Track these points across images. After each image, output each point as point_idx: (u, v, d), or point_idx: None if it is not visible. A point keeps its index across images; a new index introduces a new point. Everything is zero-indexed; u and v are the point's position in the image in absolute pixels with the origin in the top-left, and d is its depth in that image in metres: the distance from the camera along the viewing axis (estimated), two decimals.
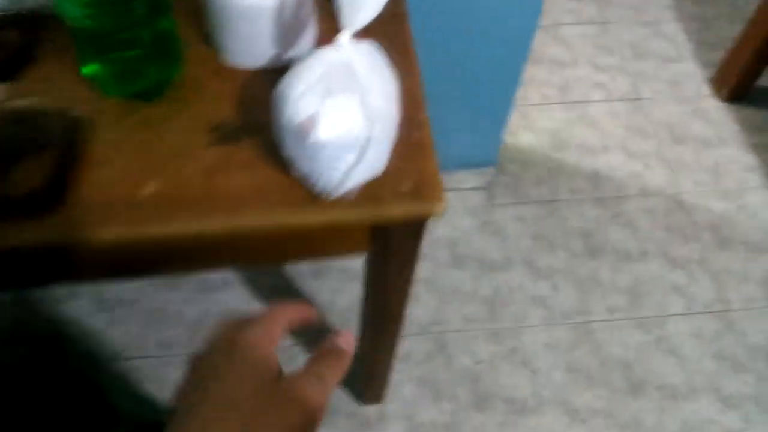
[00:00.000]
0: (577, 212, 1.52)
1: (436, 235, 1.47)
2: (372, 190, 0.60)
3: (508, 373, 1.30)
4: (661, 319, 1.36)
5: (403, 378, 1.28)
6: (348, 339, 0.41)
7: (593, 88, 1.78)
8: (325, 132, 0.53)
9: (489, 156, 1.52)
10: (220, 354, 0.38)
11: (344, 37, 0.54)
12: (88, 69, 0.63)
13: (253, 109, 0.66)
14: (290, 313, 0.43)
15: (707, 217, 1.51)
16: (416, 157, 0.63)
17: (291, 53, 0.69)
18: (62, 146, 0.61)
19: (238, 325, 0.40)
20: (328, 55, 0.55)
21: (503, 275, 1.42)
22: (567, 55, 1.87)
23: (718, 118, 1.70)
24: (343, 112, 0.54)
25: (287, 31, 0.66)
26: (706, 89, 1.77)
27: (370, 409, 1.25)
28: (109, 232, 0.58)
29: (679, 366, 1.30)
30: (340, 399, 1.25)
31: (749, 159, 1.61)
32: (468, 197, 1.55)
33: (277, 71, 0.70)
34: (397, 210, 0.60)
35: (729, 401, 1.26)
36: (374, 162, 0.57)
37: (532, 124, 1.70)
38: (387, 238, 0.66)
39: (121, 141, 0.63)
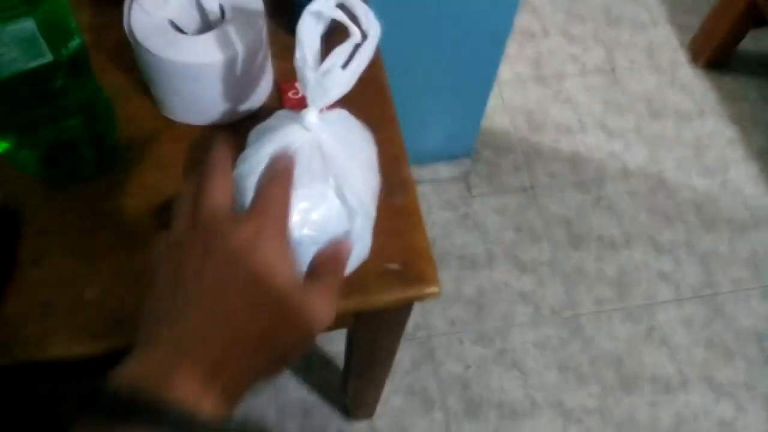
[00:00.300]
0: (557, 199, 1.46)
1: None
2: (354, 275, 0.52)
3: (499, 376, 1.26)
4: (649, 308, 1.33)
5: (391, 389, 1.24)
6: (347, 245, 0.37)
7: (567, 60, 1.70)
8: (296, 230, 0.45)
9: (466, 146, 1.45)
10: (217, 260, 0.31)
11: (311, 116, 0.45)
12: (2, 147, 0.53)
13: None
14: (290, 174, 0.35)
15: (690, 195, 1.47)
16: (402, 229, 0.55)
17: (246, 106, 0.60)
18: None
19: (236, 219, 0.32)
20: (292, 134, 0.46)
21: (486, 272, 1.37)
22: (537, 25, 1.77)
23: (697, 88, 1.64)
24: (317, 205, 0.46)
25: (241, 85, 0.57)
26: (682, 56, 1.70)
27: (360, 425, 1.21)
28: (49, 350, 0.49)
29: (669, 356, 1.28)
30: (328, 415, 1.20)
31: (730, 131, 1.56)
32: (444, 189, 1.47)
33: (232, 126, 0.61)
34: (383, 297, 0.52)
35: (721, 390, 1.25)
36: (357, 252, 0.49)
37: (506, 105, 1.62)
38: (372, 317, 0.59)
39: (55, 230, 0.54)
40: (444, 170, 1.47)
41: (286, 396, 1.20)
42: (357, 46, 0.44)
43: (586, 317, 1.32)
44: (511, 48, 1.71)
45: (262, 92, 0.60)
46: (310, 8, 0.43)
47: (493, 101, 1.60)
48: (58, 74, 0.46)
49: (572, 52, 1.71)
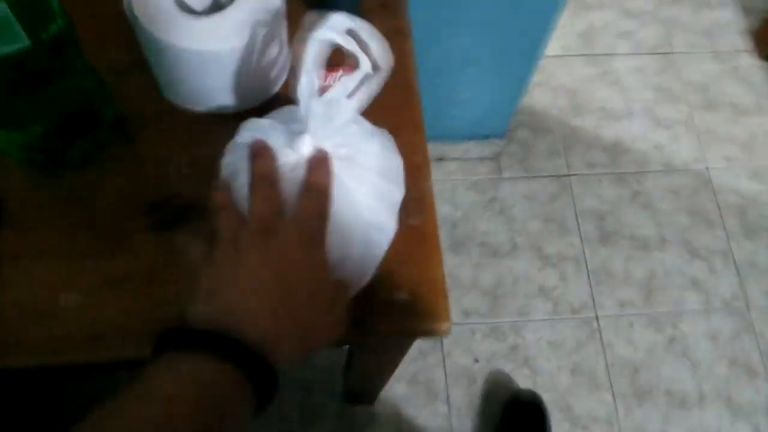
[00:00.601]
0: (592, 190, 1.38)
1: None
2: (356, 302, 0.47)
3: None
4: (675, 316, 1.26)
5: (395, 376, 1.20)
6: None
7: (620, 37, 1.58)
8: None
9: (500, 125, 1.36)
10: (278, 258, 0.37)
11: (307, 147, 0.40)
12: None
13: (209, 175, 0.52)
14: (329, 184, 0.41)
15: (734, 199, 1.38)
16: (415, 254, 0.49)
17: (259, 94, 0.53)
18: None
19: (287, 225, 0.39)
20: (285, 160, 0.41)
21: (507, 262, 1.31)
22: None
23: (757, 80, 1.52)
24: None
25: (254, 72, 0.50)
26: (745, 43, 1.57)
27: (360, 409, 1.18)
28: (19, 357, 0.45)
29: (689, 370, 1.22)
30: (328, 396, 1.18)
31: None
32: (473, 168, 1.40)
33: (241, 115, 0.54)
34: (386, 330, 0.47)
35: (739, 411, 1.19)
36: (355, 280, 0.44)
37: (549, 81, 1.52)
38: (373, 344, 0.54)
39: (34, 227, 0.49)
40: (474, 149, 1.39)
41: (288, 373, 1.17)
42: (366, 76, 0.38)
43: (607, 320, 1.26)
44: (561, 18, 1.59)
45: (276, 79, 0.54)
46: (318, 35, 0.37)
47: (534, 77, 1.50)
48: (38, 59, 0.40)
49: (627, 28, 1.59)
